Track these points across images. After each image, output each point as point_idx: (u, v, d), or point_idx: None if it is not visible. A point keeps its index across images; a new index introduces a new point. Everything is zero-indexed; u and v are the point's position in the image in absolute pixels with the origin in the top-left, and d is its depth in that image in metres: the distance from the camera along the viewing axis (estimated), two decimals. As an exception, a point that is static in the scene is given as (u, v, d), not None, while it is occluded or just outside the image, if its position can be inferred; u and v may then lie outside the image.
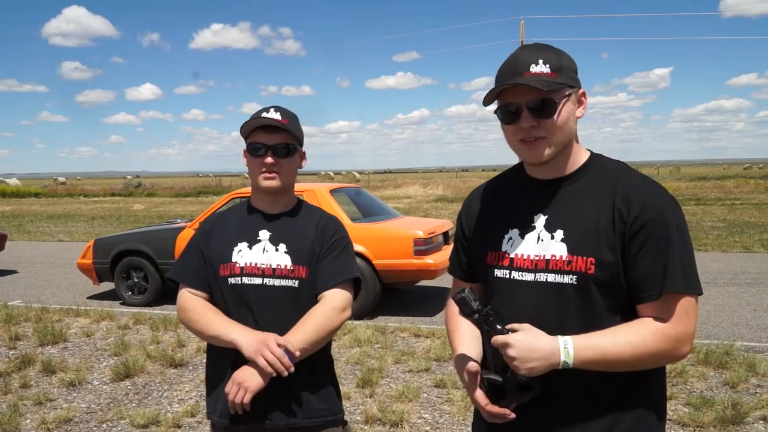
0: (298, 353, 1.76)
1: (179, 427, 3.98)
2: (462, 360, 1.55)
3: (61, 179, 62.30)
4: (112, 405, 4.36)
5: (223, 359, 1.88)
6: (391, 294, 7.83)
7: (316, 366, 1.95)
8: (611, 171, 1.49)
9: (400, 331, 6.21)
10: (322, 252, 1.95)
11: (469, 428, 3.83)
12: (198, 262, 1.97)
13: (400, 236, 6.85)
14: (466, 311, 1.48)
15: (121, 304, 7.90)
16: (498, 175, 1.71)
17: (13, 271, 10.80)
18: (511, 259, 1.52)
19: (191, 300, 1.94)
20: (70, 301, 8.15)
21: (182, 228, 7.66)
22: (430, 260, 6.80)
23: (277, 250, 1.94)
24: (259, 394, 1.78)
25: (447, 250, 7.37)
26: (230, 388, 1.77)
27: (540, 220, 1.50)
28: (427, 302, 7.79)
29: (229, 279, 1.92)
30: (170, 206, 28.69)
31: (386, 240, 6.83)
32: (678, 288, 1.37)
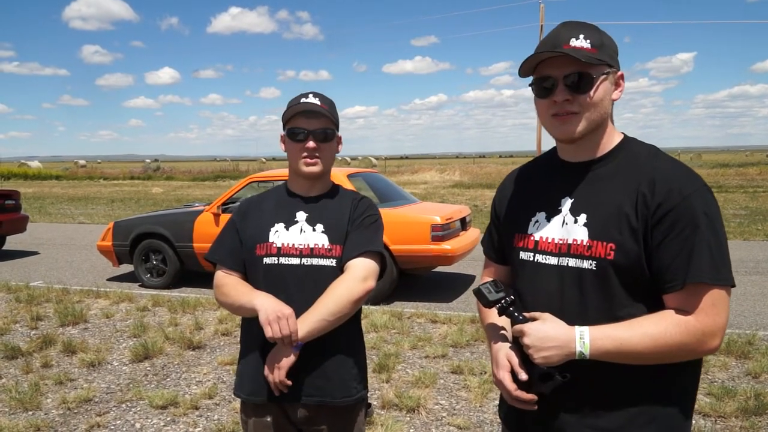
0: (300, 342, 1.80)
1: (197, 408, 4.01)
2: (493, 331, 1.58)
3: (82, 162, 62.99)
4: (131, 386, 4.41)
5: (254, 338, 1.89)
6: (407, 279, 7.80)
7: (350, 342, 1.98)
8: (640, 155, 1.45)
9: (416, 317, 6.20)
10: (352, 227, 1.96)
11: (486, 415, 3.86)
12: (233, 243, 1.99)
13: (417, 222, 6.81)
14: (483, 302, 1.50)
15: (140, 286, 7.98)
16: (533, 159, 1.69)
17: (35, 252, 10.95)
18: (536, 242, 1.51)
19: (224, 277, 1.97)
20: (90, 282, 8.25)
21: (200, 211, 7.69)
22: (447, 246, 6.76)
23: (314, 230, 1.95)
24: (292, 371, 1.82)
25: (464, 236, 7.33)
26: (268, 369, 1.84)
27: (566, 204, 1.47)
28: (444, 288, 7.77)
29: (264, 259, 1.93)
30: (188, 190, 28.89)
31: (403, 225, 6.79)
32: (703, 278, 1.31)
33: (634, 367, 1.38)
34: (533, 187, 1.59)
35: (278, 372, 1.82)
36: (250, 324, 1.91)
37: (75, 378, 4.58)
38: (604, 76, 1.40)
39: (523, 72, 1.46)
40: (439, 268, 7.85)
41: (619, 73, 1.44)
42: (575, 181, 1.48)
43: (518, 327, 1.42)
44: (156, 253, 7.84)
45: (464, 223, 7.52)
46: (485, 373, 4.55)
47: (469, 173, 31.89)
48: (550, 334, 1.37)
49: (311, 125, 1.92)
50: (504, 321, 1.58)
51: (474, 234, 7.74)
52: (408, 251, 6.77)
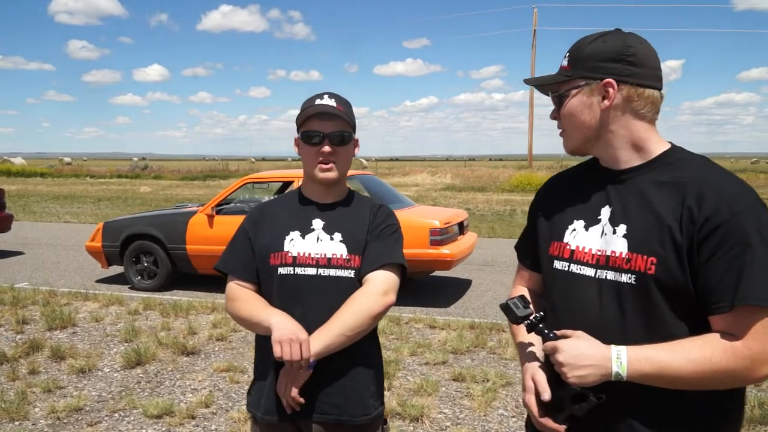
0: (313, 359, 1.70)
1: (193, 418, 3.87)
2: (522, 349, 1.52)
3: (67, 159, 62.27)
4: (123, 393, 4.25)
5: (269, 353, 1.76)
6: (405, 284, 7.69)
7: (368, 357, 1.89)
8: (688, 164, 1.35)
9: (414, 322, 6.09)
10: (371, 237, 1.86)
11: (491, 424, 3.76)
12: (245, 252, 1.89)
13: (415, 225, 6.70)
14: (511, 318, 1.44)
15: (130, 288, 7.80)
16: (578, 164, 1.61)
17: (20, 253, 10.70)
18: (572, 252, 1.44)
19: (237, 290, 1.87)
20: (78, 284, 8.05)
21: (194, 212, 7.53)
22: (446, 250, 6.66)
23: (332, 239, 1.84)
24: (308, 388, 1.73)
25: (462, 241, 7.24)
26: (280, 385, 1.74)
27: (605, 213, 1.40)
28: (442, 293, 7.66)
29: (279, 269, 1.82)
30: (177, 189, 28.61)
31: (401, 229, 6.66)
32: (754, 300, 1.21)
33: (672, 391, 1.29)
34: (572, 193, 1.51)
35: (291, 389, 1.72)
36: (266, 338, 1.79)
37: (64, 385, 4.41)
38: (575, 90, 1.40)
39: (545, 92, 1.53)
40: (436, 273, 7.76)
41: (603, 82, 1.37)
42: (614, 190, 1.41)
43: (551, 344, 1.34)
44: (147, 254, 7.67)
45: (462, 228, 7.43)
46: (487, 380, 4.46)
47: (460, 176, 31.87)
48: (586, 353, 1.29)
49: (327, 128, 1.81)
50: (534, 338, 1.50)
51: (472, 238, 7.65)
52: (406, 255, 6.63)
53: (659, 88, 1.38)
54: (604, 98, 1.37)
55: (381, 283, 1.80)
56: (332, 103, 1.83)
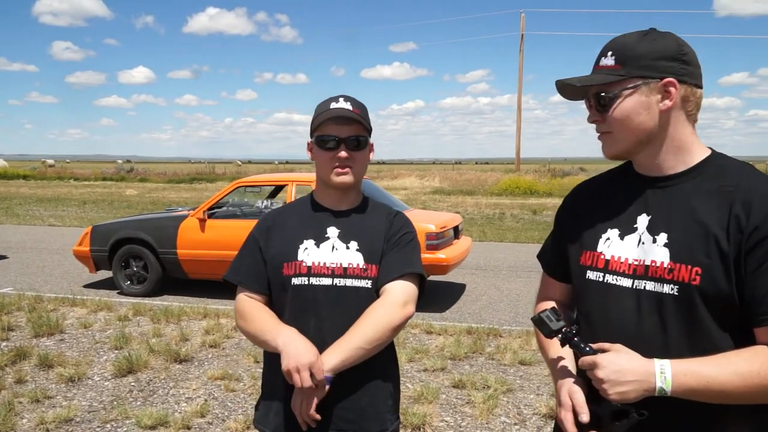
0: (330, 374, 1.62)
1: (189, 428, 3.75)
2: (556, 364, 1.45)
3: (50, 161, 61.50)
4: (115, 403, 4.12)
5: (279, 368, 1.67)
6: (423, 294, 7.63)
7: (385, 370, 1.81)
8: (733, 171, 1.30)
9: (411, 328, 6.00)
10: (388, 246, 1.78)
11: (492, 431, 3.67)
12: (255, 263, 1.80)
13: (411, 229, 6.63)
14: (545, 332, 1.37)
15: (118, 293, 7.64)
16: (607, 170, 1.55)
17: (3, 257, 10.46)
18: (607, 261, 1.37)
19: (247, 303, 1.78)
20: (65, 289, 7.87)
21: (185, 216, 7.40)
22: (441, 255, 6.59)
23: (348, 248, 1.76)
24: (323, 402, 1.64)
25: (457, 245, 7.18)
26: (295, 402, 1.64)
27: (642, 221, 1.34)
28: (438, 298, 7.58)
29: (293, 279, 1.73)
30: (164, 192, 28.30)
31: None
32: None
33: (719, 406, 1.22)
34: (605, 201, 1.45)
35: (307, 406, 1.63)
36: (275, 354, 1.71)
37: (53, 395, 4.27)
38: (630, 90, 1.31)
39: (562, 93, 1.43)
40: (430, 277, 7.68)
41: (663, 81, 1.30)
42: (652, 198, 1.35)
43: (589, 359, 1.27)
44: (137, 259, 7.52)
45: (457, 232, 7.37)
46: (488, 387, 4.39)
47: (448, 179, 31.88)
48: (627, 368, 1.22)
49: (342, 132, 1.73)
50: (566, 352, 1.43)
51: (467, 243, 7.60)
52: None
53: (702, 88, 1.35)
54: (663, 98, 1.30)
55: (400, 294, 1.72)
56: (348, 106, 1.75)
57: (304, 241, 1.76)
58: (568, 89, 1.40)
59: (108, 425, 3.79)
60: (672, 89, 1.29)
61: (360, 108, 1.78)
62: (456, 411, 4.06)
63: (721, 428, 1.26)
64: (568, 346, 1.35)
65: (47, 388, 4.36)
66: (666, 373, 1.20)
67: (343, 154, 1.73)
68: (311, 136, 1.80)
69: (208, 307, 6.59)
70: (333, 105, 1.76)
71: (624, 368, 1.22)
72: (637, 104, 1.31)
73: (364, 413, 1.73)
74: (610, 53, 1.34)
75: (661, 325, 1.27)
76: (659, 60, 1.30)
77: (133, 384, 4.49)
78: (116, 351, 5.20)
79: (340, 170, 1.75)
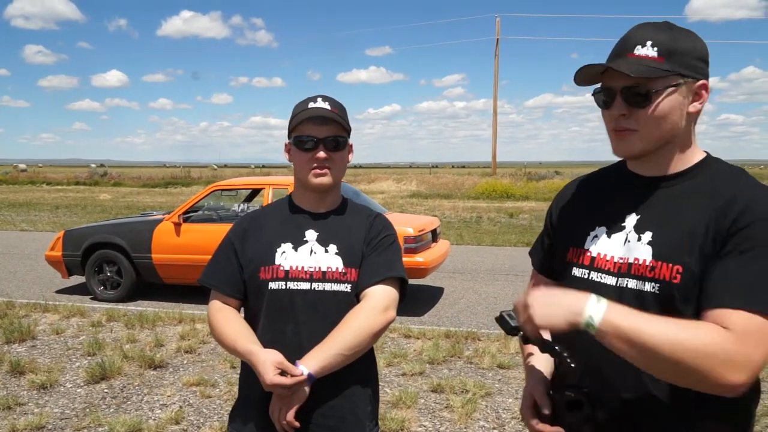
0: (311, 372, 1.60)
1: (164, 436, 3.69)
2: (526, 364, 1.47)
3: (22, 166, 60.33)
4: (88, 410, 4.04)
5: (255, 374, 1.64)
6: (404, 298, 7.61)
7: (365, 376, 1.79)
8: (722, 175, 1.29)
9: (389, 332, 5.99)
10: (368, 249, 1.75)
11: (471, 437, 3.67)
12: (230, 266, 1.77)
13: (389, 233, 6.63)
14: (506, 329, 1.32)
15: (92, 299, 7.51)
16: (600, 168, 1.53)
17: (-26, 262, 10.23)
18: (592, 259, 1.36)
19: (221, 310, 1.76)
20: (36, 295, 7.72)
21: (160, 221, 7.30)
22: (420, 258, 6.60)
23: (326, 251, 1.73)
24: (302, 408, 1.62)
25: (436, 248, 7.19)
26: (273, 408, 1.62)
27: (631, 220, 1.33)
28: (417, 302, 7.57)
29: (270, 283, 1.70)
30: (138, 196, 27.91)
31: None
32: (759, 306, 1.13)
33: (680, 406, 1.23)
34: (595, 199, 1.44)
35: (285, 412, 1.61)
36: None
37: (24, 402, 4.18)
38: (673, 88, 1.24)
39: (581, 79, 1.32)
40: (411, 281, 7.69)
41: (699, 83, 1.27)
42: (643, 197, 1.33)
43: (523, 297, 1.24)
44: (110, 264, 7.40)
45: (435, 235, 7.39)
46: (467, 391, 4.39)
47: (425, 183, 31.95)
48: (560, 295, 1.21)
49: (321, 132, 1.71)
50: (535, 348, 1.41)
51: (444, 246, 7.61)
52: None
53: None
54: (693, 100, 1.28)
55: (381, 299, 1.70)
56: (326, 106, 1.73)
57: (282, 244, 1.74)
58: (584, 71, 1.30)
59: (81, 433, 3.72)
60: (704, 92, 1.28)
61: (338, 108, 1.76)
62: (434, 416, 4.06)
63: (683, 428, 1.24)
64: (531, 342, 1.32)
65: (19, 395, 4.27)
66: (602, 305, 1.16)
67: (321, 154, 1.71)
68: (289, 136, 1.78)
69: (184, 312, 6.51)
70: (311, 105, 1.73)
71: (557, 295, 1.21)
72: (675, 104, 1.26)
73: (344, 420, 1.71)
74: (650, 42, 1.27)
75: None
76: (698, 60, 1.27)
77: (106, 391, 4.41)
78: (89, 357, 5.11)
79: (318, 171, 1.72)
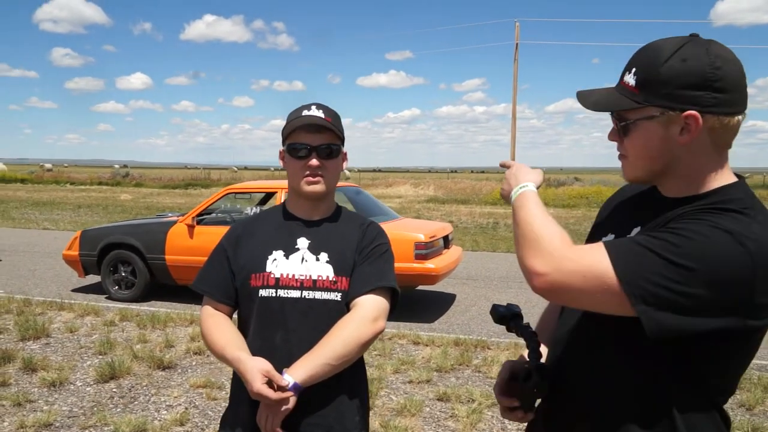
0: (297, 382, 1.61)
1: (168, 436, 3.73)
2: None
3: (48, 166, 61.37)
4: (95, 409, 4.09)
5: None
6: (395, 308, 7.60)
7: (354, 386, 1.78)
8: (727, 202, 1.16)
9: (398, 338, 5.98)
10: (360, 258, 1.75)
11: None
12: (222, 272, 1.78)
13: (400, 239, 6.60)
14: (495, 318, 1.46)
15: (107, 298, 7.61)
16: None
17: (-5, 259, 10.43)
18: None
19: (213, 316, 1.78)
20: (54, 293, 7.85)
21: (174, 222, 7.39)
22: (431, 265, 6.58)
23: (317, 259, 1.74)
24: (289, 418, 1.62)
25: (447, 255, 7.17)
26: (260, 417, 1.62)
27: (634, 233, 1.29)
28: (427, 308, 7.55)
29: (261, 291, 1.71)
30: (158, 197, 28.25)
31: (386, 242, 6.59)
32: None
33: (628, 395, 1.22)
34: (619, 206, 1.45)
35: (273, 421, 1.61)
36: None
37: (35, 399, 4.24)
38: (648, 120, 1.17)
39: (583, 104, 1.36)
40: (420, 287, 7.67)
41: (685, 113, 1.13)
42: (652, 213, 1.27)
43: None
44: (125, 264, 7.50)
45: (447, 241, 7.36)
46: (473, 401, 4.36)
47: (443, 188, 31.88)
48: (525, 170, 1.40)
49: (314, 140, 1.72)
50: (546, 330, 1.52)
51: (456, 252, 7.58)
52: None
53: (744, 110, 1.18)
54: (682, 131, 1.15)
55: (371, 309, 1.70)
56: (320, 114, 1.74)
57: (273, 252, 1.75)
58: (582, 100, 1.31)
59: (87, 431, 3.77)
60: (692, 124, 1.14)
61: (332, 116, 1.76)
62: (439, 425, 4.04)
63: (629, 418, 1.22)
64: (513, 330, 1.42)
65: (29, 392, 4.34)
66: (527, 188, 1.33)
67: (314, 162, 1.72)
68: (283, 144, 1.79)
69: (195, 314, 6.56)
70: (305, 112, 1.74)
71: (522, 168, 1.41)
72: (654, 135, 1.18)
73: (331, 429, 1.71)
74: (634, 70, 1.20)
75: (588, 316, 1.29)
76: (684, 89, 1.14)
77: (114, 390, 4.47)
78: (100, 356, 5.17)
79: (311, 179, 1.73)
